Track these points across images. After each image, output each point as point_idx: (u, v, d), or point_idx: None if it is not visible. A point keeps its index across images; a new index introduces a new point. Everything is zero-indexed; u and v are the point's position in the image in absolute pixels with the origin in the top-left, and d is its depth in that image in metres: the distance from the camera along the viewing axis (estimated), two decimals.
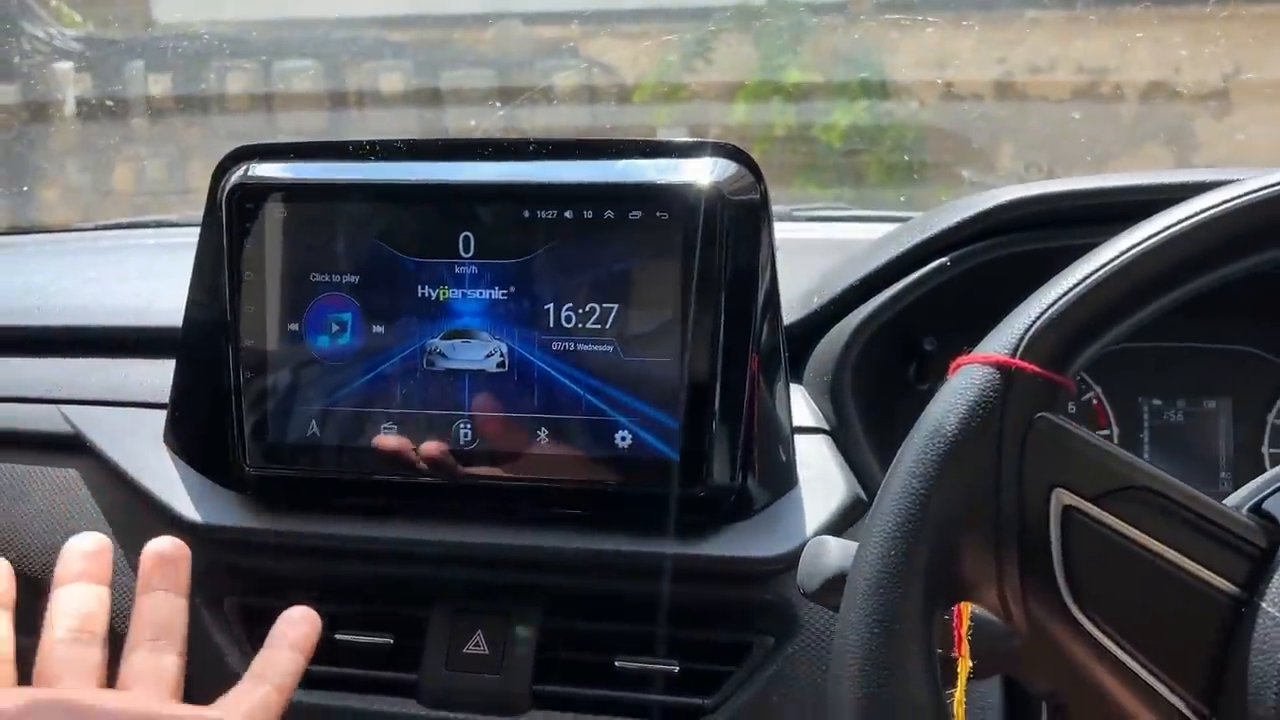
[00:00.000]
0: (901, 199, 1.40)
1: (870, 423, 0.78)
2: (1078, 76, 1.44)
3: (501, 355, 0.73)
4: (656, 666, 0.73)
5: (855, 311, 0.79)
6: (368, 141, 0.76)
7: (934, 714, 0.49)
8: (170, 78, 1.71)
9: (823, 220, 1.19)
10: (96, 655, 0.57)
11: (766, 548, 0.72)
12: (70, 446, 0.84)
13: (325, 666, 0.76)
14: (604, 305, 0.72)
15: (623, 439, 0.72)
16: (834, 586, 0.54)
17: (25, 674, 0.84)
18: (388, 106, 1.74)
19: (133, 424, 0.84)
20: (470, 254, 0.73)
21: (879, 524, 0.50)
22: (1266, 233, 0.50)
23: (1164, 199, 0.53)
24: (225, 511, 0.77)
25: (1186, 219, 0.50)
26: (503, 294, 0.73)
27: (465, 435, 0.74)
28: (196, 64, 1.69)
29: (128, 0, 1.83)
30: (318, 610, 0.70)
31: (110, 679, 0.57)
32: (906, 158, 1.48)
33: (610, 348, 0.72)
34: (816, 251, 0.95)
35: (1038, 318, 0.51)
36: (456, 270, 0.73)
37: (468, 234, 0.73)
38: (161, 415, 0.82)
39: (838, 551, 0.56)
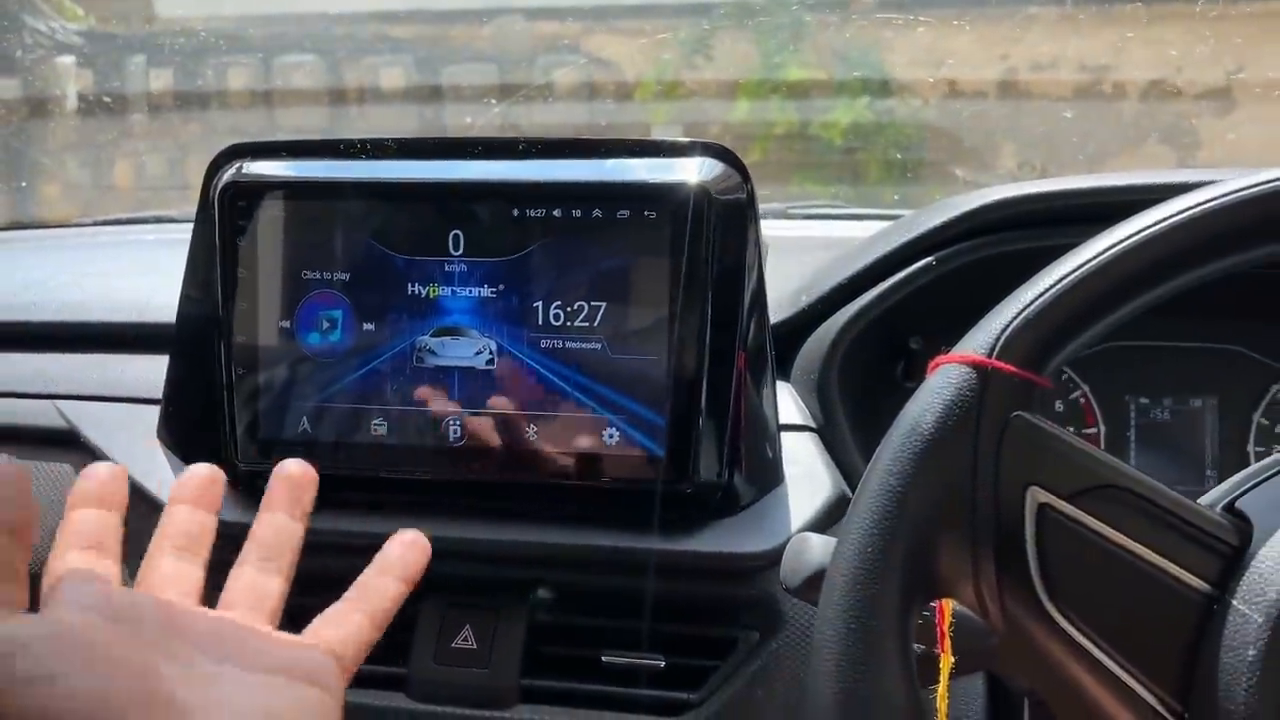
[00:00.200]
0: (896, 197, 1.40)
1: (857, 421, 0.79)
2: (1071, 75, 1.45)
3: (490, 353, 0.74)
4: (643, 661, 0.74)
5: (842, 310, 0.80)
6: (359, 140, 0.77)
7: (909, 709, 0.49)
8: (171, 73, 1.72)
9: (817, 218, 1.20)
10: (198, 574, 0.55)
11: (752, 544, 0.72)
12: (65, 441, 0.84)
13: None
14: (592, 303, 0.72)
15: (610, 436, 0.72)
16: (816, 583, 0.54)
17: None
18: (387, 102, 1.74)
19: (127, 419, 0.84)
20: (460, 252, 0.74)
21: (856, 521, 0.51)
22: (1243, 233, 0.51)
23: (1147, 199, 0.54)
24: None
25: (1163, 220, 0.51)
26: (492, 292, 0.74)
27: (454, 432, 0.74)
28: (197, 59, 1.69)
29: None
30: (313, 606, 0.71)
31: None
32: (901, 156, 1.48)
33: (598, 345, 0.72)
34: (811, 249, 0.96)
35: (1014, 318, 0.51)
36: (446, 268, 0.74)
37: (457, 232, 0.74)
38: (156, 410, 0.83)
39: (820, 548, 0.57)
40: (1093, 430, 0.87)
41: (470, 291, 0.74)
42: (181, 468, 0.80)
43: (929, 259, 0.78)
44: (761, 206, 1.14)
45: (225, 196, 0.76)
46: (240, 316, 0.76)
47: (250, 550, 0.57)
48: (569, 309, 0.73)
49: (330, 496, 0.77)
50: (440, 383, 0.74)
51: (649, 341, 0.72)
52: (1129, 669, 0.49)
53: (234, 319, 0.76)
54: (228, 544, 0.78)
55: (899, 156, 1.46)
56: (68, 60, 1.71)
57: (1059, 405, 0.88)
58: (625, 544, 0.73)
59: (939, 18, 1.43)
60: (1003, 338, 0.51)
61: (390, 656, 0.76)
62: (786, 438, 0.77)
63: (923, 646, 0.56)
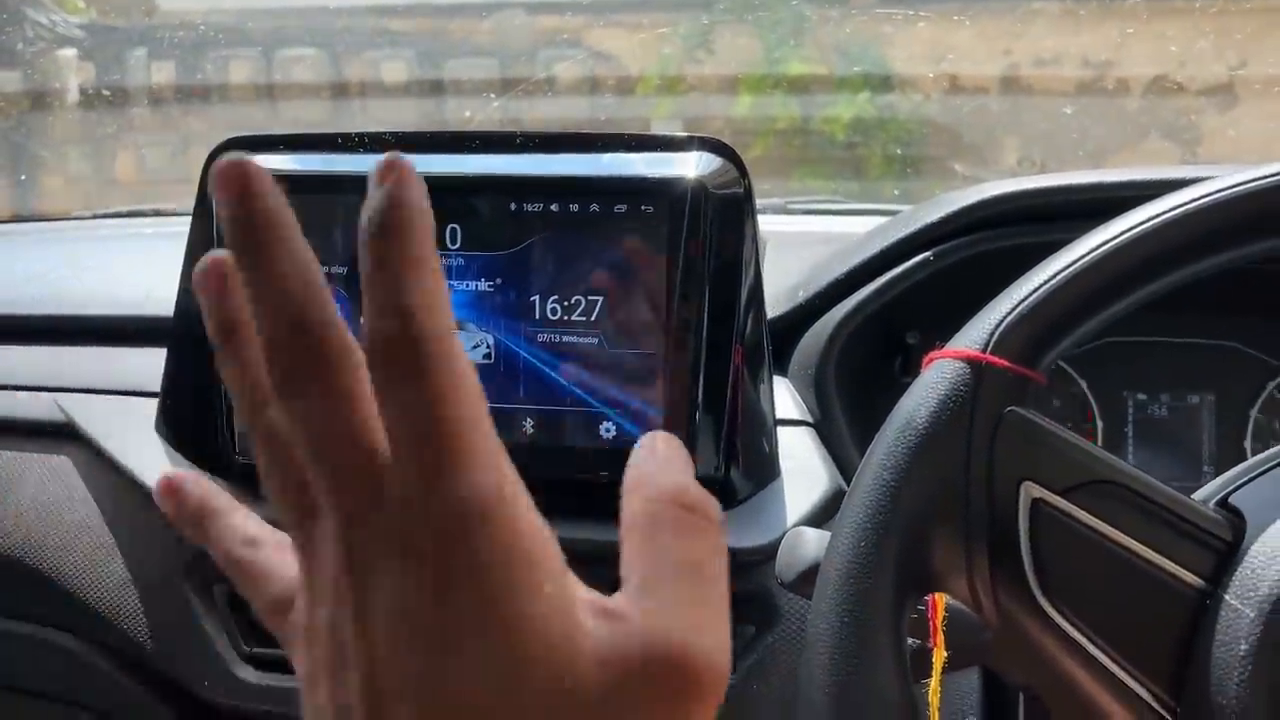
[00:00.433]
0: (896, 192, 1.40)
1: (854, 415, 0.79)
2: (1073, 71, 1.45)
3: (488, 347, 0.74)
4: None
5: (840, 305, 0.80)
6: (357, 134, 0.77)
7: (902, 703, 0.49)
8: (172, 67, 1.72)
9: (817, 213, 1.20)
10: None
11: (748, 538, 0.72)
12: (63, 434, 0.85)
13: None
14: (589, 297, 0.72)
15: (607, 430, 0.73)
16: (810, 577, 0.55)
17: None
18: (388, 96, 1.74)
19: (125, 412, 0.85)
20: (457, 246, 0.74)
21: (850, 515, 0.51)
22: (1235, 230, 0.51)
23: (1143, 195, 0.54)
24: None
25: (1156, 217, 0.51)
26: (489, 286, 0.74)
27: None
28: (198, 53, 1.69)
29: None
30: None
31: None
32: (902, 151, 1.48)
33: (595, 340, 0.73)
34: (810, 244, 0.96)
35: (1008, 313, 0.51)
36: (444, 262, 0.74)
37: (455, 226, 0.74)
38: (154, 403, 0.83)
39: (815, 542, 0.57)
40: (1090, 426, 0.87)
41: (467, 286, 0.74)
42: (179, 460, 0.81)
43: (926, 254, 0.78)
44: (761, 202, 1.14)
45: None
46: None
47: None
48: (566, 303, 0.73)
49: None
50: None
51: (646, 336, 0.72)
52: (1122, 664, 0.49)
53: None
54: None
55: (898, 152, 1.46)
56: (69, 54, 1.71)
57: (1057, 401, 0.88)
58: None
59: (940, 12, 1.43)
60: (997, 333, 0.51)
61: None
62: (783, 432, 0.77)
63: (917, 641, 0.56)
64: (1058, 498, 0.50)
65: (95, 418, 0.84)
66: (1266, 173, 0.50)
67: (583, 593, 0.32)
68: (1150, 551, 0.49)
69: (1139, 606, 0.49)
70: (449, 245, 0.74)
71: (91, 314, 0.94)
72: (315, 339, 0.30)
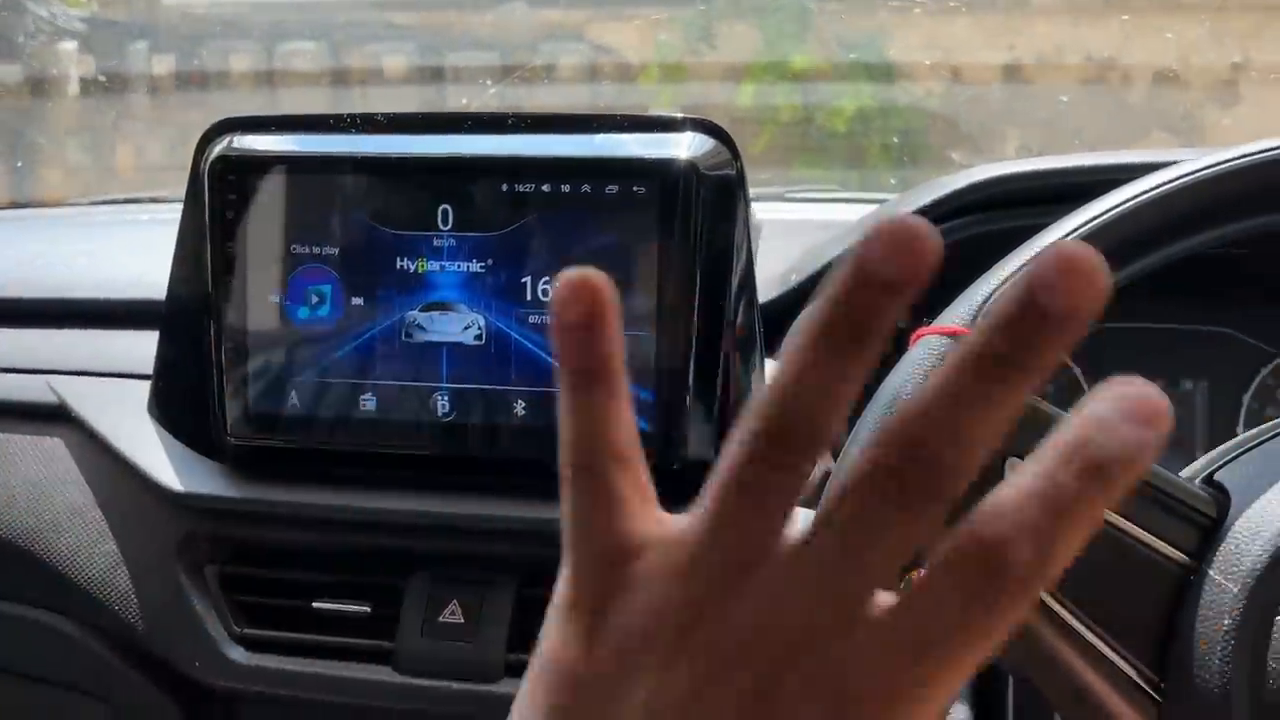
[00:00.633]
0: (893, 181, 1.40)
1: None
2: (1076, 62, 1.44)
3: (479, 328, 0.74)
4: None
5: None
6: (349, 115, 0.77)
7: None
8: (173, 58, 1.72)
9: (814, 201, 1.20)
10: None
11: None
12: (56, 416, 0.85)
13: (303, 634, 0.77)
14: None
15: None
16: None
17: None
18: (390, 88, 1.74)
19: (118, 394, 0.85)
20: (449, 227, 0.74)
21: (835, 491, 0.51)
22: (1209, 210, 0.51)
23: (1129, 178, 0.54)
24: (206, 480, 0.78)
25: (1134, 197, 0.51)
26: (481, 267, 0.74)
27: (443, 407, 0.74)
28: (199, 44, 1.69)
29: None
30: (301, 580, 0.71)
31: None
32: (902, 141, 1.48)
33: None
34: (808, 232, 0.96)
35: (995, 290, 0.51)
36: (435, 243, 0.74)
37: (446, 207, 0.74)
38: (147, 386, 0.83)
39: (801, 521, 0.57)
40: None
41: (459, 267, 0.74)
42: (172, 442, 0.81)
43: None
44: (759, 190, 1.14)
45: (215, 171, 0.76)
46: (229, 291, 0.76)
47: None
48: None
49: (318, 471, 0.78)
50: (429, 358, 0.74)
51: (638, 318, 0.72)
52: (1107, 639, 0.49)
53: (223, 294, 0.76)
54: (218, 519, 0.79)
55: (895, 140, 1.46)
56: (70, 45, 1.71)
57: (1051, 386, 0.88)
58: None
59: (941, 4, 1.43)
60: (984, 309, 0.51)
61: (378, 630, 0.77)
62: None
63: None
64: None
65: (88, 400, 0.84)
66: (1239, 153, 0.50)
67: None
68: (1135, 528, 0.49)
69: (1124, 582, 0.49)
70: (440, 226, 0.74)
71: (84, 297, 0.94)
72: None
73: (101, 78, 1.69)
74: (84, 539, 0.81)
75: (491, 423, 0.74)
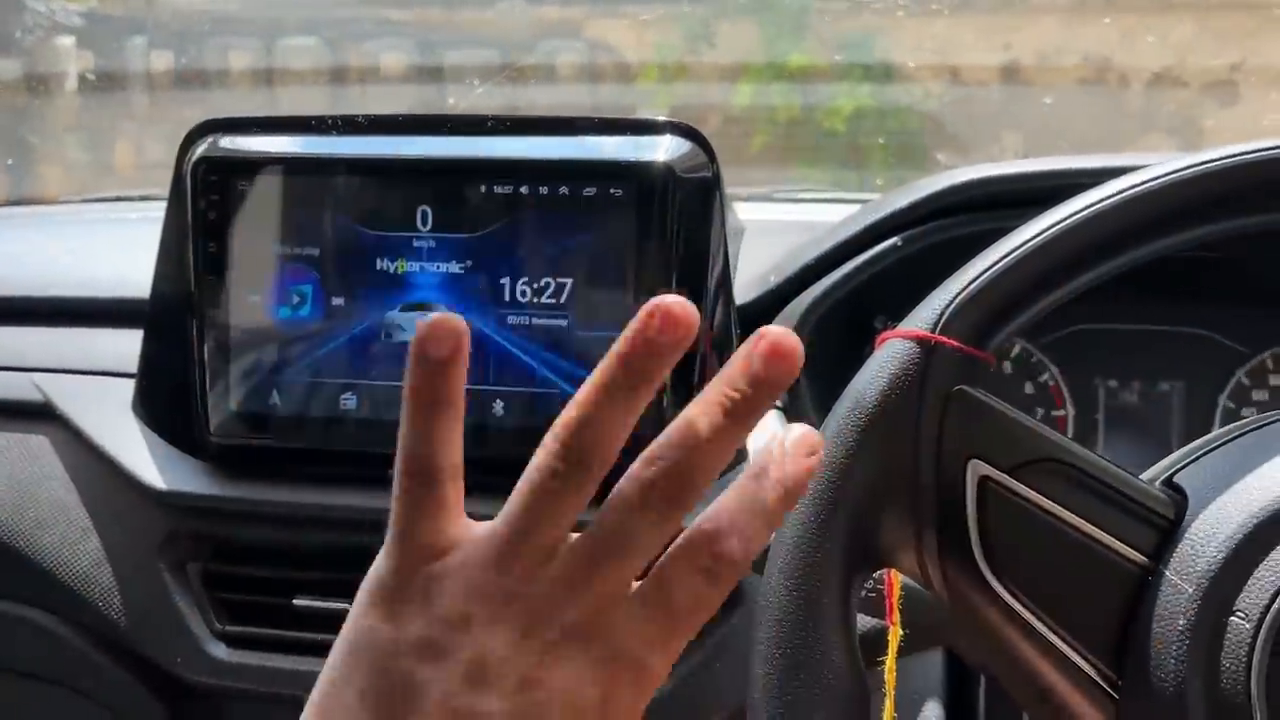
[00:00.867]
0: (879, 182, 1.40)
1: (821, 400, 0.79)
2: (1073, 63, 1.45)
3: None
4: None
5: (809, 290, 0.81)
6: (331, 116, 0.77)
7: (848, 675, 0.50)
8: (171, 54, 1.72)
9: (803, 202, 1.20)
10: None
11: None
12: (41, 414, 0.85)
13: (284, 631, 0.78)
14: (558, 280, 0.73)
15: None
16: (764, 552, 0.55)
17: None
18: (387, 85, 1.75)
19: (103, 393, 0.85)
20: (428, 228, 0.74)
21: None
22: (1175, 215, 0.51)
23: (1101, 181, 0.54)
24: (189, 479, 0.79)
25: (1098, 202, 0.52)
26: (460, 268, 0.74)
27: None
28: (197, 40, 1.70)
29: None
30: (283, 577, 0.71)
31: None
32: (899, 142, 1.48)
33: (564, 322, 0.73)
34: (794, 232, 0.97)
35: (958, 294, 0.52)
36: (414, 244, 0.74)
37: (426, 208, 0.74)
38: (131, 384, 0.84)
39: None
40: (1061, 413, 0.88)
41: (438, 268, 0.74)
42: (156, 441, 0.82)
43: (895, 240, 0.79)
44: (746, 190, 1.14)
45: (198, 171, 0.76)
46: (211, 291, 0.77)
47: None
48: (536, 285, 0.73)
49: (300, 470, 0.79)
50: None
51: (615, 318, 0.72)
52: (1066, 639, 0.49)
53: (205, 293, 0.77)
54: (201, 517, 0.80)
55: (893, 141, 1.46)
56: (68, 41, 1.72)
57: (1029, 387, 0.88)
58: (588, 519, 0.74)
59: (940, 4, 1.43)
60: (946, 313, 0.52)
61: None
62: None
63: (876, 621, 0.56)
64: (1005, 476, 0.50)
65: (72, 398, 0.85)
66: (1204, 159, 0.51)
67: None
68: (1094, 529, 0.49)
69: (1083, 582, 0.50)
70: (420, 227, 0.74)
71: (70, 295, 0.94)
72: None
73: (99, 75, 1.69)
74: (68, 536, 0.82)
75: (469, 422, 0.74)
